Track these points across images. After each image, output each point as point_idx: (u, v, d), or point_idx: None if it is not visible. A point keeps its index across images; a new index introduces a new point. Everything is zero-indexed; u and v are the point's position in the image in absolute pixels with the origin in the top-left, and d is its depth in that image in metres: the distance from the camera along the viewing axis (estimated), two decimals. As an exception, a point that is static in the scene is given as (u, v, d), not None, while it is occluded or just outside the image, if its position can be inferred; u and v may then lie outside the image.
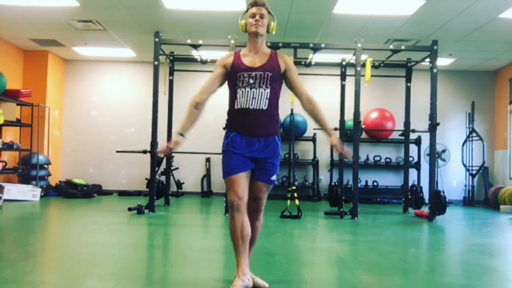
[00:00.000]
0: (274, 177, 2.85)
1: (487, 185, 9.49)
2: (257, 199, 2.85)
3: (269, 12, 2.91)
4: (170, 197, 7.81)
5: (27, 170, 8.46)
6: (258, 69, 2.80)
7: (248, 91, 2.76)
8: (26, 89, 8.52)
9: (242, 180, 2.75)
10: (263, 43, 2.90)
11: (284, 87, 2.92)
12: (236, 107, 2.80)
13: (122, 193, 9.35)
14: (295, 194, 6.47)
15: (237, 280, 2.67)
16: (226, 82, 2.91)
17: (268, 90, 2.78)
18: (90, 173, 9.75)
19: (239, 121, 2.81)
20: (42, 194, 8.16)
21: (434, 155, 6.71)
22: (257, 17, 2.83)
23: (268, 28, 2.91)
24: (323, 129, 2.92)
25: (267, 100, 2.77)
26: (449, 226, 6.26)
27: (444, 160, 9.39)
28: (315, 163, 9.53)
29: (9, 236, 4.66)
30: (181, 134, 2.79)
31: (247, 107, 2.76)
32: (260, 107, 2.76)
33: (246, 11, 2.91)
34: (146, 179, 8.12)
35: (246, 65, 2.82)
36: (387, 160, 9.50)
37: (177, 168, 9.34)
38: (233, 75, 2.83)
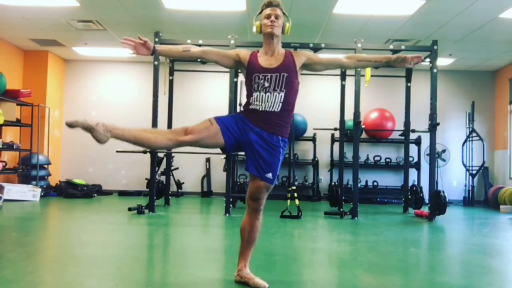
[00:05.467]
0: (269, 175, 2.81)
1: (487, 185, 9.49)
2: (256, 199, 2.86)
3: (283, 13, 2.90)
4: (170, 197, 7.80)
5: (27, 170, 8.46)
6: (274, 71, 2.80)
7: (263, 95, 2.78)
8: (26, 89, 8.52)
9: (208, 129, 2.74)
10: (279, 44, 2.90)
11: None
12: (250, 107, 2.82)
13: (122, 193, 9.35)
14: (295, 194, 6.47)
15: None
16: (244, 82, 2.92)
17: (282, 94, 2.78)
18: (90, 173, 9.75)
19: (250, 116, 2.82)
20: (42, 194, 8.15)
21: (434, 155, 6.71)
22: (272, 17, 2.83)
23: (283, 29, 2.91)
24: (385, 63, 2.93)
25: (280, 104, 2.78)
26: (449, 226, 6.26)
27: (444, 160, 9.39)
28: (315, 163, 9.52)
29: (9, 236, 4.66)
30: (154, 46, 2.78)
31: (260, 109, 2.78)
32: (273, 110, 2.78)
33: (260, 12, 2.90)
34: (146, 179, 8.12)
35: (262, 66, 2.82)
36: (387, 160, 9.50)
37: (177, 168, 9.33)
38: (249, 75, 2.85)
